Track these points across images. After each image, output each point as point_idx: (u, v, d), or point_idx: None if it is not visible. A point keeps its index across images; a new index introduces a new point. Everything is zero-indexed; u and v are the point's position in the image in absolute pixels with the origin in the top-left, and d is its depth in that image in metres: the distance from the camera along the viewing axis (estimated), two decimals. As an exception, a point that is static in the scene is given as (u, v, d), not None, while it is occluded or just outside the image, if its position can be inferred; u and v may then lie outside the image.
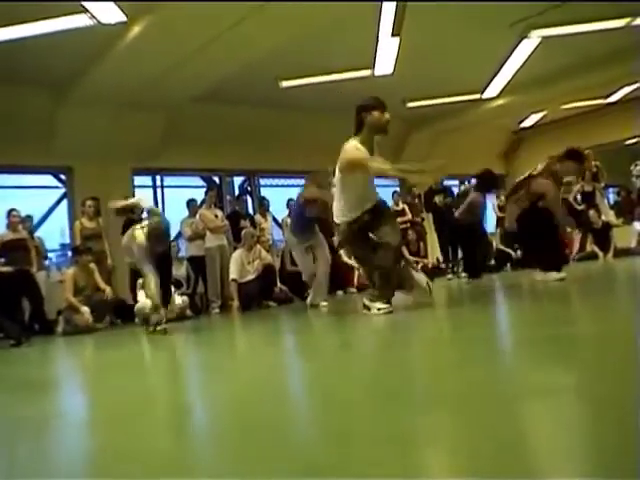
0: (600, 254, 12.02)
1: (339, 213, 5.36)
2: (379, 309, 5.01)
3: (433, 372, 2.28)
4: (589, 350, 2.30)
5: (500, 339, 3.11)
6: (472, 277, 9.42)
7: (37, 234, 9.97)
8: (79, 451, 1.74)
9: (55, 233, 11.03)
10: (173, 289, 8.96)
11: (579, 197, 13.28)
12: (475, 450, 1.20)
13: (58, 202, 11.09)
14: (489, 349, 2.63)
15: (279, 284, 9.99)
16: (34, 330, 8.39)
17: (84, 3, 7.28)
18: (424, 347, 3.12)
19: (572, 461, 1.11)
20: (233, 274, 9.27)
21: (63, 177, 11.04)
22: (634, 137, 15.69)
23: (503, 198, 11.16)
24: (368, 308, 5.13)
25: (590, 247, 12.27)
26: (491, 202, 14.48)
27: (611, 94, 14.29)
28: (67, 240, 10.91)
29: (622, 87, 13.77)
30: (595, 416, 1.36)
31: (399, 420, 1.53)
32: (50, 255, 10.62)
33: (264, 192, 13.13)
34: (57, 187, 11.12)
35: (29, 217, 9.57)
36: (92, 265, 8.54)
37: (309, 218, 7.45)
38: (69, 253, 10.38)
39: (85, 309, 8.08)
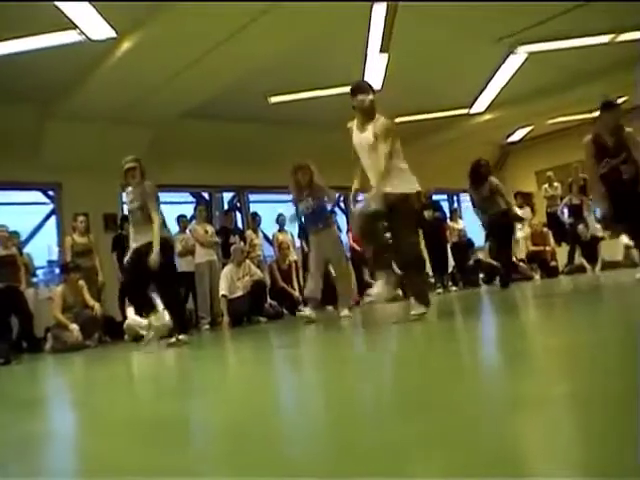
0: (588, 267, 12.08)
1: (409, 181, 5.15)
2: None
3: (434, 383, 2.28)
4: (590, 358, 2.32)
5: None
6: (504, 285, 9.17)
7: (25, 250, 9.92)
8: (65, 469, 1.73)
9: (43, 250, 10.97)
10: (162, 305, 8.93)
11: (566, 210, 13.36)
12: (472, 453, 1.20)
13: (46, 218, 11.04)
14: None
15: (269, 300, 9.98)
16: (22, 348, 8.34)
17: (74, 19, 7.29)
18: (421, 360, 3.12)
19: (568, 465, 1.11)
20: (223, 290, 9.26)
21: (51, 193, 11.00)
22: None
23: None
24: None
25: (578, 260, 12.34)
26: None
27: (596, 109, 14.40)
28: (55, 257, 10.86)
29: (608, 102, 13.89)
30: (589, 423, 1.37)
31: (391, 431, 1.53)
32: (38, 272, 10.56)
33: (253, 208, 13.14)
34: (45, 203, 11.07)
35: (16, 233, 9.50)
36: (81, 282, 8.51)
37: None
38: (57, 270, 10.33)
39: (74, 326, 8.04)
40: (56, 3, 6.98)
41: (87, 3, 7.04)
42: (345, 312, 7.20)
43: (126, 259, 6.33)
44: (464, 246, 12.75)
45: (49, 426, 2.62)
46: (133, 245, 6.21)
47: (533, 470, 1.16)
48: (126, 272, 6.78)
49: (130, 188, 6.34)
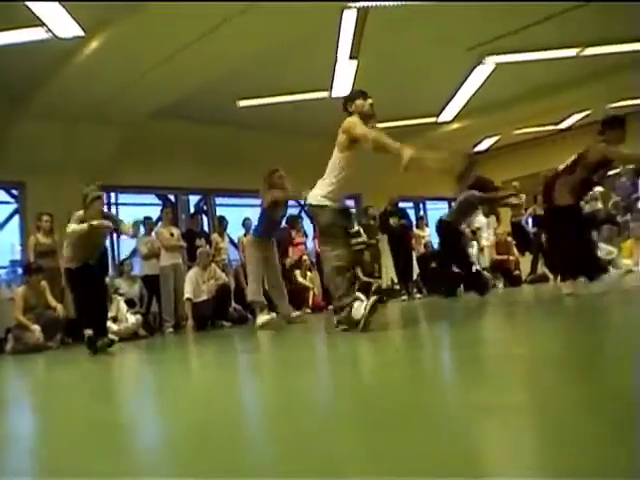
0: (551, 277, 12.23)
1: (323, 194, 5.18)
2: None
3: (394, 388, 2.30)
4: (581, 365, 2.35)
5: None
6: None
7: (-13, 250, 9.78)
8: (20, 471, 1.71)
9: (5, 249, 10.81)
10: (126, 308, 8.87)
11: (530, 220, 13.53)
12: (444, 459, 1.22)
13: (9, 218, 10.88)
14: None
15: (234, 304, 9.94)
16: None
17: (41, 17, 7.22)
18: (391, 365, 3.14)
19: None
20: (188, 293, 9.21)
21: (15, 192, 10.84)
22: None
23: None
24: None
25: (541, 270, 12.49)
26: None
27: (562, 120, 14.65)
28: (17, 256, 10.71)
29: (573, 114, 14.13)
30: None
31: (353, 435, 1.54)
32: (0, 272, 10.41)
33: (220, 211, 13.08)
34: (8, 202, 10.91)
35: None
36: (43, 283, 8.40)
37: (276, 221, 7.64)
38: (19, 270, 10.19)
39: (35, 327, 7.94)
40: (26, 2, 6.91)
41: (54, 1, 6.97)
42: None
43: None
44: (430, 257, 12.83)
45: (4, 429, 2.58)
46: None
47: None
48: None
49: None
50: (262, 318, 7.48)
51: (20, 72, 8.98)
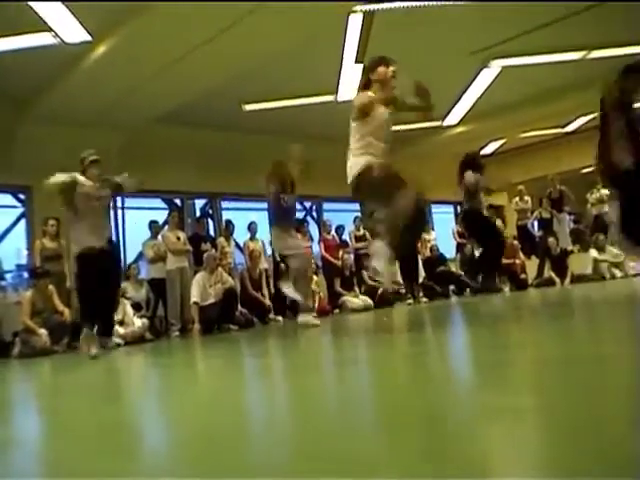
0: (557, 280, 12.23)
1: (358, 157, 4.92)
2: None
3: (406, 393, 2.30)
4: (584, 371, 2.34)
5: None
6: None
7: (-6, 254, 9.80)
8: (26, 474, 1.72)
9: (12, 253, 10.85)
10: (132, 311, 8.89)
11: (536, 224, 13.53)
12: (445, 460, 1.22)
13: (16, 222, 10.91)
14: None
15: (240, 308, 9.94)
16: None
17: (49, 22, 7.25)
18: (396, 366, 3.13)
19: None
20: (194, 297, 9.22)
21: (22, 196, 10.88)
22: (590, 166, 16.04)
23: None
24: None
25: (548, 273, 12.48)
26: (450, 227, 14.70)
27: (568, 124, 14.64)
28: (23, 261, 10.74)
29: (578, 117, 14.12)
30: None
31: (362, 440, 1.54)
32: (6, 276, 10.43)
33: (225, 215, 13.10)
34: (15, 207, 10.95)
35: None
36: (50, 287, 8.42)
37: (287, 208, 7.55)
38: (25, 274, 10.21)
39: (42, 331, 7.96)
40: (32, 5, 6.93)
41: (62, 6, 7.00)
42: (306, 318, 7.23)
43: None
44: (436, 261, 12.85)
45: (11, 432, 2.59)
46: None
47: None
48: None
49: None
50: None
51: (26, 77, 9.03)
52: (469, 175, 7.91)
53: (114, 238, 8.90)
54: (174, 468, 1.56)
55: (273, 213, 7.62)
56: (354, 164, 4.85)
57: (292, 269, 7.41)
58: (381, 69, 4.94)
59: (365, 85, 5.04)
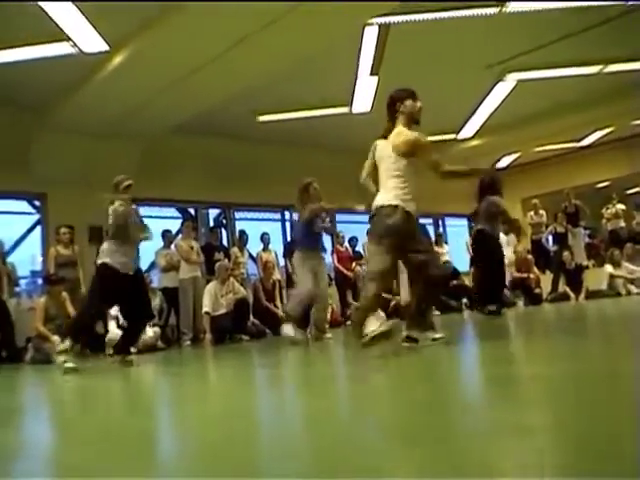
0: (572, 295, 12.14)
1: (392, 197, 4.69)
2: (434, 339, 4.62)
3: (416, 408, 2.28)
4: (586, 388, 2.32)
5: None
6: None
7: (9, 260, 9.83)
8: (38, 474, 1.72)
9: (27, 259, 10.90)
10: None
11: (550, 238, 13.46)
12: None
13: (31, 228, 10.96)
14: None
15: (252, 318, 9.93)
16: (2, 357, 8.26)
17: (67, 31, 7.30)
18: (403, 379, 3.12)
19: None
20: (206, 307, 9.22)
21: (37, 203, 10.93)
22: (605, 180, 16.00)
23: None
24: (415, 340, 4.62)
25: (562, 288, 12.39)
26: (464, 241, 14.61)
27: (583, 138, 14.58)
28: (38, 267, 10.78)
29: (594, 131, 14.06)
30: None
31: (373, 454, 1.53)
32: (21, 282, 10.48)
33: (239, 225, 13.11)
34: (30, 213, 11.00)
35: (-1, 242, 9.44)
36: (64, 294, 8.44)
37: (317, 234, 7.53)
38: (39, 280, 10.25)
39: (55, 338, 7.97)
40: (50, 14, 6.98)
41: (81, 16, 7.04)
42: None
43: None
44: (450, 275, 12.77)
45: (22, 436, 2.59)
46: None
47: None
48: None
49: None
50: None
51: (46, 86, 9.10)
52: (499, 202, 8.09)
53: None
54: (186, 476, 1.56)
55: (302, 237, 7.65)
56: (384, 199, 4.75)
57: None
58: (409, 102, 4.82)
59: (392, 115, 4.90)
